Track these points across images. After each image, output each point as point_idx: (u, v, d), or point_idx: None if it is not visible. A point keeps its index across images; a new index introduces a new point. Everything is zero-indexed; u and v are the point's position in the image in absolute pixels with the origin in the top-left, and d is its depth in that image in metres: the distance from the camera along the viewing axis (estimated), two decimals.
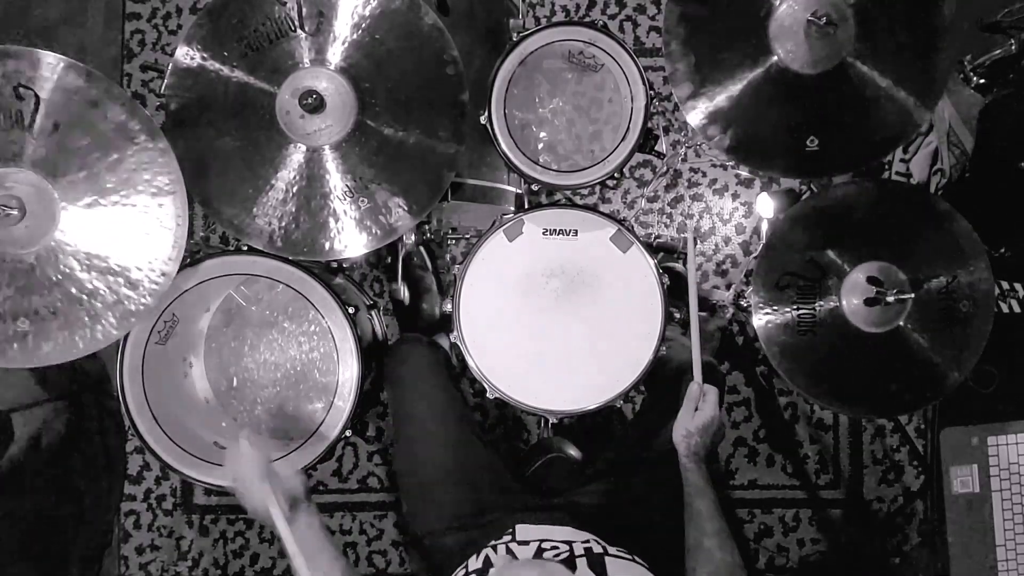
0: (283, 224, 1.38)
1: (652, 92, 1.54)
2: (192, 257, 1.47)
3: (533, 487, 1.51)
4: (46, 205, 1.26)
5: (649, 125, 1.48)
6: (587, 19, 1.90)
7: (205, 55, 1.34)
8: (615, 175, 1.49)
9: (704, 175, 2.25)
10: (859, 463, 2.22)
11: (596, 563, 1.14)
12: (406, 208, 1.38)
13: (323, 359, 1.64)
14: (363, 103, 1.34)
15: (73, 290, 1.29)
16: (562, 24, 1.47)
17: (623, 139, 1.49)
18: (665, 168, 2.17)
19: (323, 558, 1.24)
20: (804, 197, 1.71)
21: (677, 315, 1.70)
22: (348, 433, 1.50)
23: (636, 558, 1.18)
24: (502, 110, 1.48)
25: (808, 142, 1.35)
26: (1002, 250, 1.64)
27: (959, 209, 1.40)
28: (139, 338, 1.47)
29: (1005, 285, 1.68)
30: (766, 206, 1.86)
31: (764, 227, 1.99)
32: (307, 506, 1.30)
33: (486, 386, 1.54)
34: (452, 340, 1.54)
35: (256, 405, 1.66)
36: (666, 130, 2.20)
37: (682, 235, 2.22)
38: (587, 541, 1.21)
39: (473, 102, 1.38)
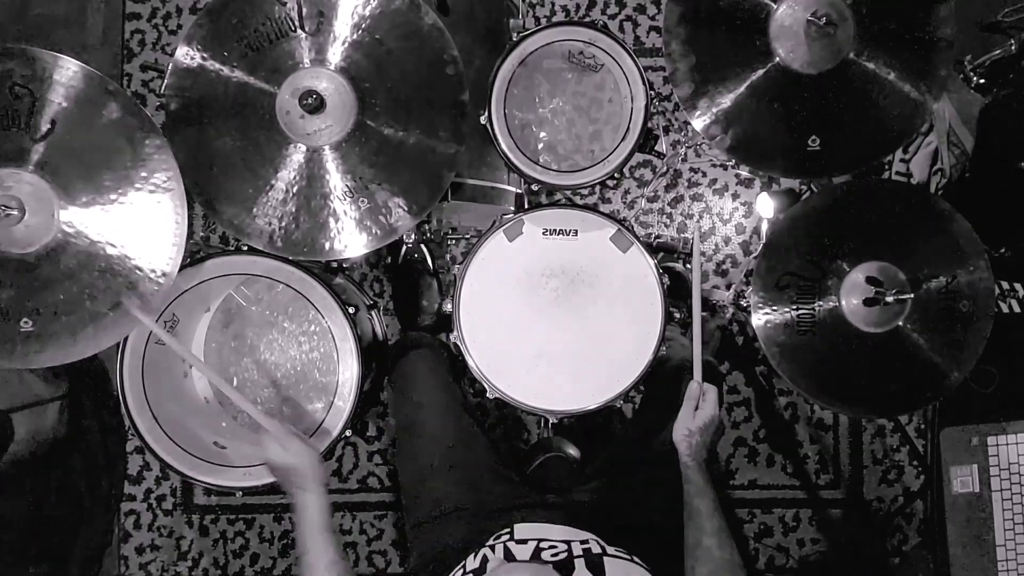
0: (283, 224, 1.38)
1: (652, 92, 1.54)
2: (192, 257, 1.47)
3: (533, 485, 1.51)
4: (45, 205, 1.26)
5: (649, 125, 1.48)
6: (587, 19, 1.90)
7: (205, 55, 1.34)
8: (615, 175, 1.49)
9: (704, 175, 2.25)
10: (859, 463, 2.22)
11: (595, 564, 1.14)
12: (406, 208, 1.38)
13: (323, 359, 1.64)
14: (363, 103, 1.34)
15: (75, 290, 1.29)
16: (562, 24, 1.46)
17: (623, 139, 1.49)
18: (665, 168, 2.17)
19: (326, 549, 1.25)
20: (804, 197, 1.71)
21: (677, 315, 1.70)
22: (348, 433, 1.50)
23: (635, 558, 1.18)
24: (502, 110, 1.48)
25: (809, 142, 1.35)
26: (1002, 250, 1.64)
27: (959, 209, 1.40)
28: (139, 338, 1.47)
29: (1005, 285, 1.68)
30: (766, 206, 1.86)
31: (764, 227, 2.00)
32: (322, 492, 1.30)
33: (486, 386, 1.54)
34: (452, 340, 1.55)
35: (256, 405, 1.65)
36: (666, 130, 2.20)
37: (683, 235, 2.22)
38: (586, 541, 1.21)
39: (473, 102, 1.38)
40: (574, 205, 2.07)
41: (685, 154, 2.13)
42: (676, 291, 1.73)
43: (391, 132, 1.36)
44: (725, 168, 2.23)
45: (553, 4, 2.28)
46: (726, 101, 1.35)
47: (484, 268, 1.54)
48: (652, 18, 2.27)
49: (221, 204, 1.38)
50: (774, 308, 1.42)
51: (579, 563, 1.14)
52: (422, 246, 2.01)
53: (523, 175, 1.50)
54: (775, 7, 1.32)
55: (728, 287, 2.17)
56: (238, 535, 2.26)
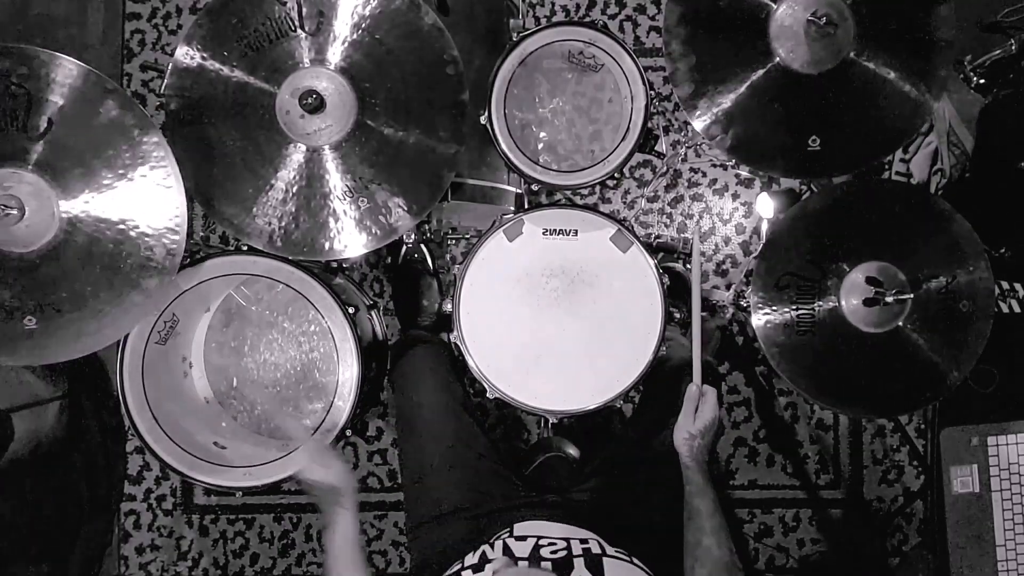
0: (283, 224, 1.38)
1: (652, 92, 1.54)
2: (192, 257, 1.47)
3: (533, 485, 1.52)
4: (45, 204, 1.26)
5: (649, 125, 1.48)
6: (587, 19, 1.90)
7: (205, 55, 1.34)
8: (615, 175, 1.49)
9: (704, 175, 2.25)
10: (859, 463, 2.22)
11: (594, 564, 1.14)
12: (406, 208, 1.38)
13: (323, 359, 1.64)
14: (363, 103, 1.34)
15: (76, 287, 1.29)
16: (562, 24, 1.47)
17: (623, 139, 1.49)
18: (665, 168, 2.17)
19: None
20: (804, 197, 1.71)
21: (677, 315, 1.70)
22: (348, 433, 1.50)
23: (635, 560, 1.18)
24: (502, 110, 1.48)
25: (809, 142, 1.35)
26: (1002, 250, 1.64)
27: (959, 209, 1.40)
28: (139, 338, 1.47)
29: (1005, 285, 1.68)
30: (766, 206, 1.86)
31: (764, 227, 2.00)
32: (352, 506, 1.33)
33: (486, 386, 1.54)
34: (452, 340, 1.55)
35: (256, 405, 1.66)
36: (666, 130, 2.20)
37: (683, 235, 2.22)
38: (586, 541, 1.21)
39: (473, 102, 1.38)
40: (574, 205, 2.07)
41: (685, 154, 2.13)
42: (676, 291, 1.73)
43: (391, 132, 1.36)
44: (725, 168, 2.23)
45: (553, 4, 2.27)
46: (726, 101, 1.35)
47: (484, 268, 1.54)
48: (652, 18, 2.27)
49: (221, 204, 1.38)
50: (774, 308, 1.42)
51: (578, 562, 1.14)
52: (422, 246, 2.01)
53: (523, 175, 1.50)
54: (775, 7, 1.32)
55: (728, 287, 2.17)
56: (238, 535, 2.26)
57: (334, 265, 1.73)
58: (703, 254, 2.24)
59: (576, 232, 1.55)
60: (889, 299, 1.36)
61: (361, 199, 1.37)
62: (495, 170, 1.65)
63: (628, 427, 1.98)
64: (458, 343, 1.53)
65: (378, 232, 1.38)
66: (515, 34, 1.48)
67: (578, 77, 1.56)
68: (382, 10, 1.32)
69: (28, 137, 1.25)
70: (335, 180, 1.36)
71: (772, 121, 1.36)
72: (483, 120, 1.46)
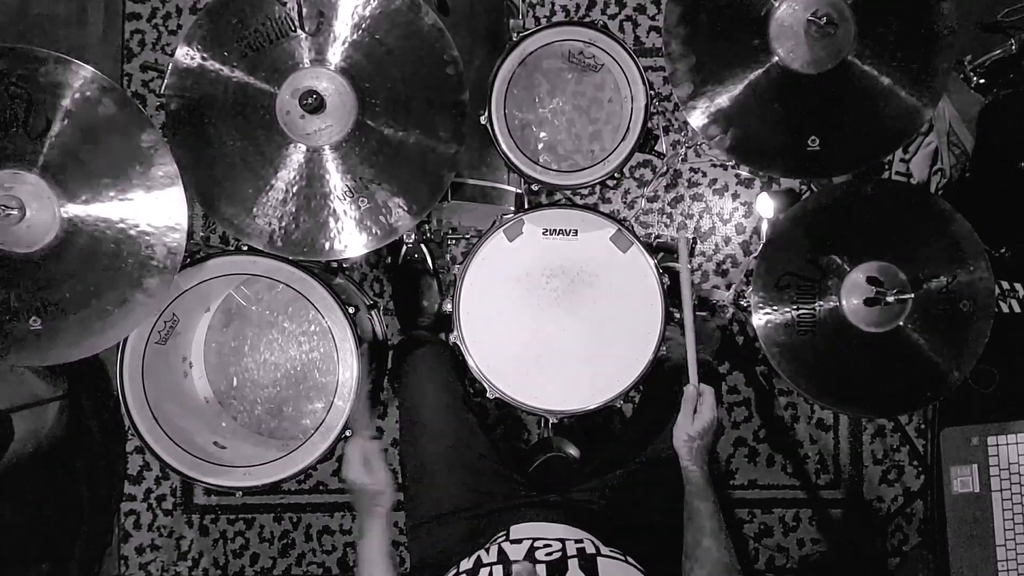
0: (283, 224, 1.38)
1: (652, 92, 1.54)
2: (192, 257, 1.47)
3: (533, 485, 1.52)
4: (46, 204, 1.26)
5: (649, 125, 1.48)
6: (587, 19, 1.90)
7: (205, 55, 1.34)
8: (615, 175, 1.49)
9: (704, 175, 2.25)
10: (859, 463, 2.22)
11: (587, 564, 1.14)
12: (406, 208, 1.38)
13: (323, 359, 1.64)
14: (363, 103, 1.34)
15: (79, 287, 1.29)
16: (562, 24, 1.46)
17: (623, 139, 1.49)
18: (665, 168, 2.17)
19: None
20: (804, 197, 1.71)
21: (677, 315, 1.70)
22: (348, 433, 1.50)
23: (629, 559, 1.18)
24: (502, 110, 1.48)
25: (809, 142, 1.35)
26: (1002, 250, 1.64)
27: (959, 209, 1.40)
28: (139, 338, 1.47)
29: (1005, 285, 1.68)
30: (766, 206, 1.86)
31: (764, 227, 2.00)
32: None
33: (486, 386, 1.54)
34: (452, 340, 1.55)
35: (256, 405, 1.66)
36: (666, 130, 2.20)
37: (675, 238, 2.22)
38: (581, 541, 1.21)
39: (473, 102, 1.38)
40: (574, 205, 2.07)
41: (685, 154, 2.13)
42: (676, 291, 1.73)
43: (391, 132, 1.36)
44: (725, 168, 2.23)
45: (553, 4, 2.28)
46: (726, 101, 1.35)
47: (484, 268, 1.54)
48: (652, 18, 2.27)
49: (221, 204, 1.38)
50: (774, 308, 1.42)
51: (572, 563, 1.14)
52: (422, 246, 2.02)
53: (523, 175, 1.50)
54: (776, 6, 1.32)
55: (728, 287, 2.17)
56: (238, 535, 2.26)
57: (334, 265, 1.73)
58: (703, 254, 2.24)
59: (576, 232, 1.55)
60: (890, 299, 1.36)
61: (361, 199, 1.37)
62: (495, 170, 1.65)
63: (628, 427, 1.98)
64: (458, 343, 1.53)
65: (378, 232, 1.38)
66: (515, 34, 1.48)
67: (578, 77, 1.56)
68: (382, 10, 1.32)
69: (29, 137, 1.25)
70: (335, 180, 1.36)
71: (772, 121, 1.36)
72: (483, 120, 1.46)
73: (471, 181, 1.60)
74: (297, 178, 1.37)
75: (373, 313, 1.77)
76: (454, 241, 2.11)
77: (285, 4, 1.32)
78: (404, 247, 2.03)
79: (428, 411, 1.53)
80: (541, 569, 1.14)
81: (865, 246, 1.41)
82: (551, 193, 2.08)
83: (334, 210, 1.37)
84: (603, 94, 1.56)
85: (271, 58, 1.34)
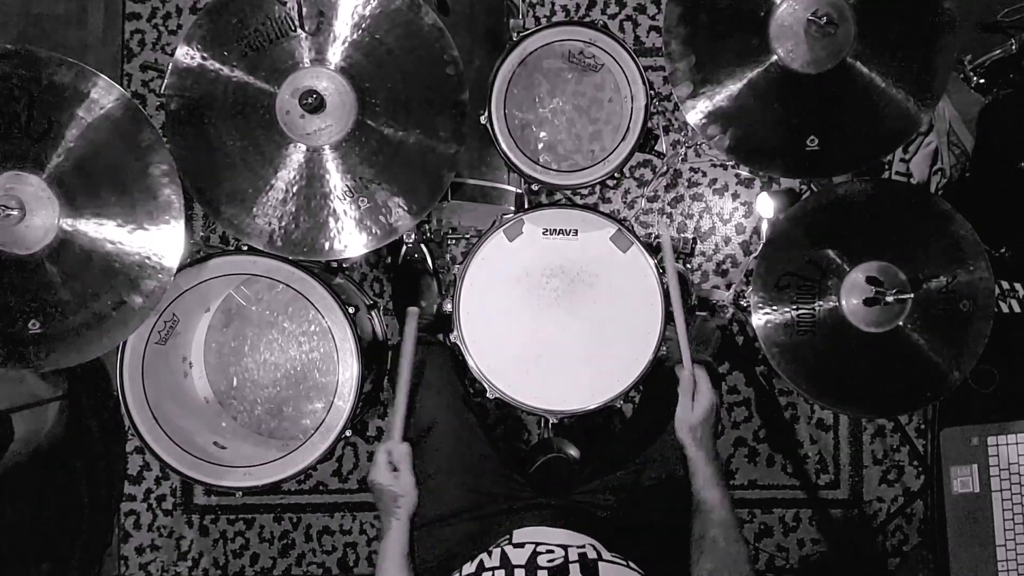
0: (283, 224, 1.38)
1: (652, 92, 1.54)
2: (192, 257, 1.47)
3: (534, 486, 1.51)
4: (46, 205, 1.26)
5: (649, 125, 1.48)
6: (587, 19, 1.90)
7: (205, 55, 1.34)
8: (615, 175, 1.49)
9: (704, 175, 2.25)
10: (859, 463, 2.22)
11: (589, 569, 1.14)
12: (406, 208, 1.38)
13: (323, 359, 1.64)
14: (363, 103, 1.34)
15: (79, 289, 1.29)
16: (562, 24, 1.47)
17: (623, 139, 1.49)
18: (665, 168, 2.17)
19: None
20: (804, 197, 1.71)
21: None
22: (348, 433, 1.50)
23: (631, 564, 1.17)
24: (502, 110, 1.48)
25: (808, 142, 1.35)
26: (1002, 250, 1.64)
27: (959, 209, 1.40)
28: (139, 338, 1.47)
29: (1005, 285, 1.68)
30: (766, 206, 1.86)
31: (764, 227, 2.00)
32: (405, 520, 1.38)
33: (486, 386, 1.54)
34: (452, 340, 1.54)
35: (256, 405, 1.66)
36: (666, 130, 2.20)
37: (683, 235, 2.22)
38: (583, 546, 1.20)
39: (473, 102, 1.38)
40: (574, 205, 2.07)
41: (685, 154, 2.13)
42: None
43: (391, 132, 1.36)
44: (725, 168, 2.23)
45: (553, 4, 2.28)
46: (726, 101, 1.35)
47: (484, 268, 1.54)
48: (652, 18, 2.27)
49: (221, 204, 1.38)
50: (774, 308, 1.42)
51: (574, 568, 1.14)
52: (422, 246, 2.01)
53: (523, 175, 1.50)
54: (776, 6, 1.32)
55: (728, 287, 2.17)
56: (238, 535, 2.26)
57: (334, 265, 1.73)
58: (703, 254, 2.24)
59: (576, 232, 1.55)
60: (889, 299, 1.36)
61: (361, 199, 1.37)
62: (495, 170, 1.65)
63: (628, 427, 1.98)
64: (458, 343, 1.53)
65: (378, 232, 1.38)
66: (515, 34, 1.48)
67: (578, 77, 1.56)
68: (382, 10, 1.32)
69: (31, 139, 1.25)
70: (335, 180, 1.36)
71: (771, 121, 1.36)
72: (483, 120, 1.46)
73: (471, 181, 1.60)
74: (297, 178, 1.37)
75: (373, 313, 1.77)
76: (454, 241, 2.11)
77: (285, 4, 1.32)
78: (404, 247, 2.02)
79: (427, 413, 1.52)
80: (543, 575, 1.14)
81: (865, 246, 1.41)
82: (551, 193, 2.08)
83: (334, 210, 1.37)
84: (603, 94, 1.56)
85: (271, 58, 1.34)
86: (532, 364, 1.54)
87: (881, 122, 1.35)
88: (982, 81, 1.74)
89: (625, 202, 2.25)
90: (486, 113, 1.45)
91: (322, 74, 1.33)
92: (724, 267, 2.25)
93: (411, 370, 1.44)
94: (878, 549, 2.21)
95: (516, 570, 1.15)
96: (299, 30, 1.33)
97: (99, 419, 2.05)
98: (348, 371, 1.51)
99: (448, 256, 2.18)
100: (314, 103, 1.29)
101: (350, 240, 1.38)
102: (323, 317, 1.53)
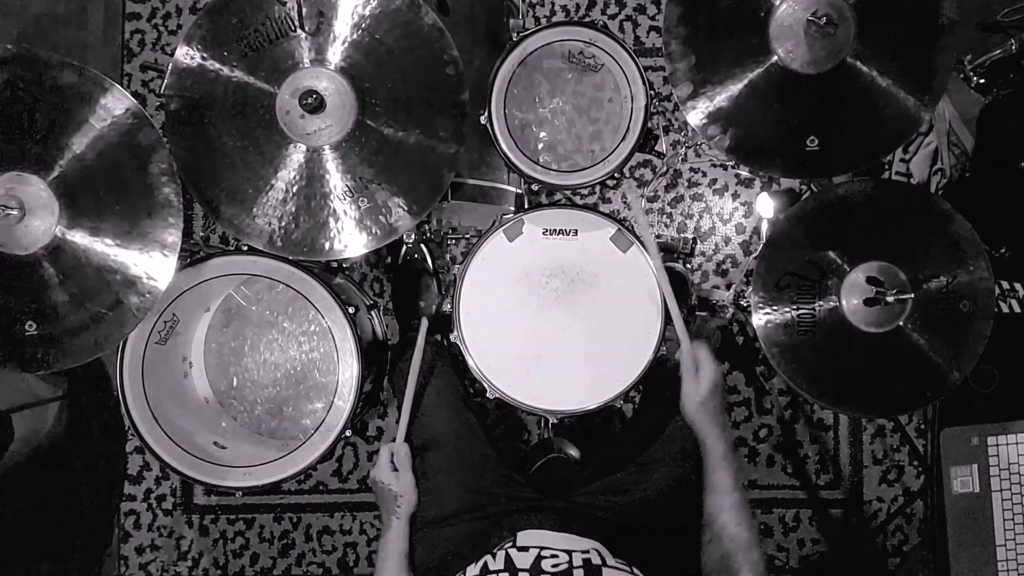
0: (283, 224, 1.38)
1: (652, 92, 1.54)
2: (192, 257, 1.47)
3: (535, 486, 1.51)
4: (45, 205, 1.26)
5: (649, 125, 1.48)
6: (587, 19, 1.90)
7: (205, 55, 1.34)
8: (615, 175, 1.49)
9: (704, 175, 2.25)
10: (859, 463, 2.22)
11: (593, 575, 1.14)
12: (406, 208, 1.38)
13: (323, 359, 1.64)
14: (363, 103, 1.34)
15: (76, 290, 1.29)
16: (562, 24, 1.46)
17: (623, 139, 1.49)
18: (665, 168, 2.17)
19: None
20: (804, 197, 1.71)
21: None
22: (348, 433, 1.50)
23: (635, 569, 1.17)
24: (502, 110, 1.48)
25: (808, 142, 1.35)
26: (1002, 250, 1.64)
27: (959, 209, 1.40)
28: (139, 338, 1.47)
29: (1005, 285, 1.68)
30: (766, 206, 1.86)
31: (764, 227, 2.00)
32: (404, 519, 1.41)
33: (486, 386, 1.54)
34: (452, 340, 1.54)
35: (256, 405, 1.66)
36: (666, 130, 2.20)
37: (683, 235, 2.21)
38: (587, 551, 1.19)
39: (473, 102, 1.38)
40: (574, 205, 2.07)
41: (685, 154, 2.13)
42: (676, 290, 1.72)
43: (391, 132, 1.36)
44: (725, 168, 2.23)
45: (553, 4, 2.28)
46: (726, 101, 1.35)
47: (484, 268, 1.54)
48: (652, 18, 2.27)
49: (221, 204, 1.38)
50: (774, 308, 1.42)
51: (578, 573, 1.14)
52: (422, 246, 2.01)
53: (523, 175, 1.50)
54: (776, 6, 1.32)
55: (728, 287, 2.17)
56: (238, 535, 2.26)
57: (334, 265, 1.73)
58: (703, 254, 2.24)
59: (576, 232, 1.55)
60: (890, 299, 1.36)
61: (361, 199, 1.37)
62: (495, 170, 1.65)
63: (628, 427, 1.98)
64: (458, 343, 1.53)
65: (378, 232, 1.38)
66: (515, 34, 1.47)
67: (578, 77, 1.56)
68: (382, 10, 1.32)
69: (33, 140, 1.25)
70: (335, 180, 1.36)
71: (771, 121, 1.36)
72: (483, 120, 1.46)
73: (471, 181, 1.60)
74: (297, 178, 1.37)
75: (373, 313, 1.77)
76: (454, 241, 2.11)
77: (285, 4, 1.32)
78: (404, 247, 2.02)
79: (428, 412, 1.53)
80: None
81: (865, 246, 1.41)
82: (551, 193, 2.08)
83: (334, 210, 1.37)
84: (603, 94, 1.56)
85: (271, 58, 1.34)
86: (532, 364, 1.54)
87: (881, 122, 1.35)
88: (982, 81, 1.74)
89: (625, 202, 2.25)
90: (486, 113, 1.45)
91: (322, 74, 1.33)
92: (724, 267, 2.25)
93: (418, 376, 1.47)
94: (878, 549, 2.21)
95: (520, 574, 1.15)
96: (299, 30, 1.33)
97: (99, 419, 2.05)
98: (348, 371, 1.51)
99: (448, 256, 2.18)
100: (314, 103, 1.29)
101: (350, 240, 1.38)
102: (323, 317, 1.53)
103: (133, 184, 1.28)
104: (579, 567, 1.15)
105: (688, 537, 1.34)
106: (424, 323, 1.51)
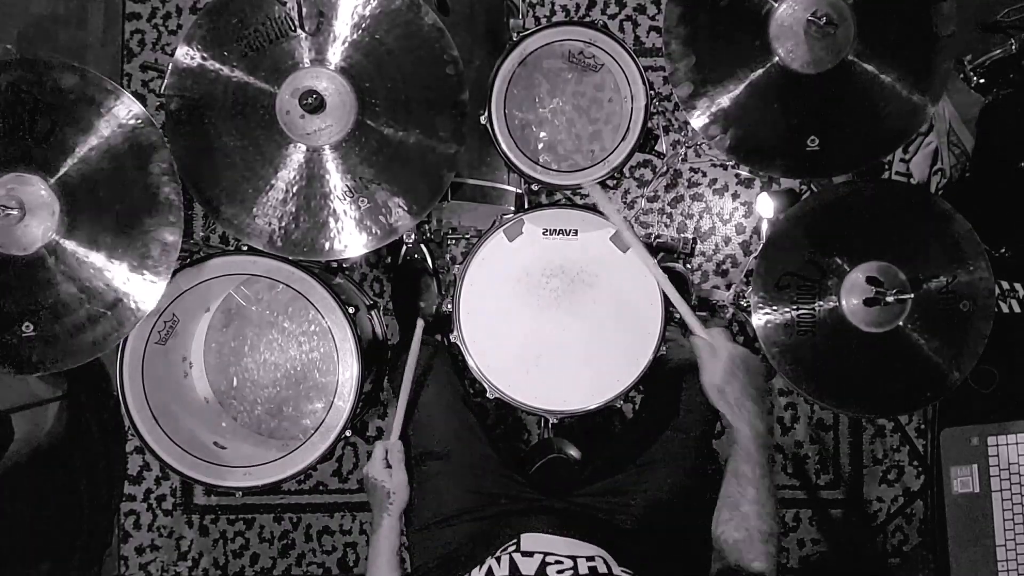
0: (283, 224, 1.38)
1: (652, 92, 1.54)
2: (192, 257, 1.47)
3: (535, 487, 1.51)
4: (44, 205, 1.26)
5: (649, 125, 1.48)
6: (587, 19, 1.90)
7: (205, 55, 1.34)
8: (615, 175, 1.49)
9: (704, 175, 2.25)
10: (859, 463, 2.22)
11: None
12: (406, 208, 1.38)
13: (323, 359, 1.64)
14: (363, 103, 1.34)
15: (73, 290, 1.29)
16: (562, 24, 1.47)
17: (623, 139, 1.49)
18: (665, 168, 2.17)
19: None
20: (804, 197, 1.71)
21: (677, 315, 1.70)
22: (348, 433, 1.50)
23: None
24: (502, 110, 1.48)
25: (808, 142, 1.35)
26: (1002, 250, 1.64)
27: (959, 209, 1.40)
28: (139, 338, 1.47)
29: (1005, 285, 1.68)
30: (766, 206, 1.86)
31: (764, 227, 1.99)
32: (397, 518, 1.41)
33: (486, 386, 1.54)
34: (452, 340, 1.54)
35: (256, 405, 1.66)
36: (666, 130, 2.20)
37: (683, 235, 2.21)
38: (592, 559, 1.18)
39: (473, 102, 1.38)
40: (574, 205, 2.07)
41: (685, 154, 2.13)
42: (676, 290, 1.72)
43: (391, 132, 1.36)
44: (725, 168, 2.23)
45: (553, 4, 2.27)
46: (726, 101, 1.35)
47: (484, 268, 1.54)
48: (652, 18, 2.27)
49: (221, 204, 1.38)
50: (774, 308, 1.42)
51: None
52: (422, 246, 2.01)
53: (523, 175, 1.50)
54: (776, 6, 1.32)
55: (728, 287, 2.17)
56: (238, 535, 2.26)
57: (334, 265, 1.73)
58: (703, 254, 2.24)
59: (576, 232, 1.55)
60: (889, 299, 1.36)
61: (361, 199, 1.37)
62: (495, 170, 1.65)
63: (629, 428, 1.98)
64: (458, 343, 1.53)
65: (378, 232, 1.38)
66: (515, 34, 1.48)
67: (578, 77, 1.56)
68: (382, 10, 1.32)
69: (34, 141, 1.25)
70: (335, 180, 1.36)
71: (772, 121, 1.36)
72: (483, 120, 1.46)
73: (471, 181, 1.60)
74: (297, 178, 1.37)
75: (373, 313, 1.77)
76: (454, 241, 2.11)
77: (285, 4, 1.32)
78: (404, 247, 2.02)
79: (427, 413, 1.53)
80: None
81: (865, 246, 1.40)
82: (551, 193, 2.08)
83: (334, 210, 1.37)
84: (603, 94, 1.56)
85: (271, 58, 1.34)
86: (532, 364, 1.54)
87: (881, 122, 1.35)
88: (982, 81, 1.74)
89: (625, 202, 2.25)
90: (486, 113, 1.45)
91: (322, 74, 1.33)
92: (724, 267, 2.25)
93: (414, 375, 1.48)
94: (878, 549, 2.21)
95: None
96: (299, 30, 1.33)
97: (99, 419, 2.05)
98: (348, 371, 1.51)
99: (448, 256, 2.18)
100: (314, 103, 1.29)
101: (350, 240, 1.38)
102: (323, 317, 1.53)
103: (134, 184, 1.28)
104: (585, 575, 1.14)
105: (689, 537, 1.34)
106: (420, 324, 1.51)
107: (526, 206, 1.70)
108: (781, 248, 1.43)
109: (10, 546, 1.86)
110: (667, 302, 1.51)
